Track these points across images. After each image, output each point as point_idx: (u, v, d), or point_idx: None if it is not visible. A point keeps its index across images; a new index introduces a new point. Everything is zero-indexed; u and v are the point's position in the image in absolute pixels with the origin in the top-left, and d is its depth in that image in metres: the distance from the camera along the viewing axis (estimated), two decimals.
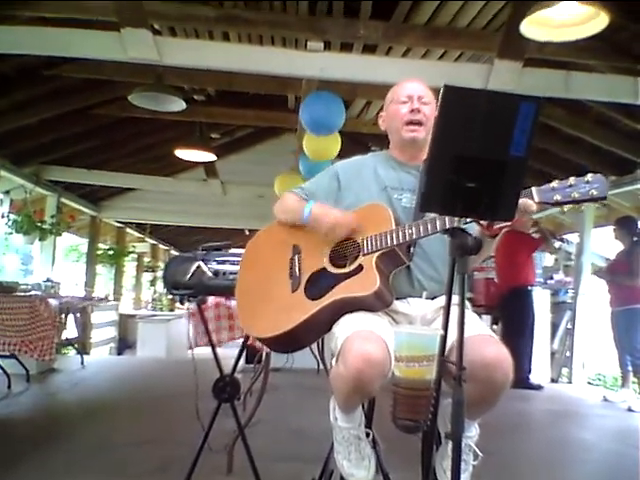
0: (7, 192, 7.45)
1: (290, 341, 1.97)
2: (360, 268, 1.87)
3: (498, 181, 1.31)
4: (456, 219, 1.56)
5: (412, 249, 1.96)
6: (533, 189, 1.64)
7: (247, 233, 11.31)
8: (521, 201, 1.56)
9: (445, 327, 1.46)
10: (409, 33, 4.44)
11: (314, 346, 3.92)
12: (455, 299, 1.43)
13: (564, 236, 8.59)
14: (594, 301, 7.34)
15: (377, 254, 1.86)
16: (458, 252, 1.41)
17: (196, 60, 4.36)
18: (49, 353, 4.88)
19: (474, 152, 1.29)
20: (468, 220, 1.53)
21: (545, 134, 6.16)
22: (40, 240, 7.52)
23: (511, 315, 6.37)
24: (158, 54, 4.11)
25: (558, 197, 1.60)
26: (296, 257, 2.05)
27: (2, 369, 5.19)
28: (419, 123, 2.02)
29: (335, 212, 1.97)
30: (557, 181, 1.62)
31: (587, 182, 1.58)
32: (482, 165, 1.30)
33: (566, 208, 1.63)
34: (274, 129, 8.61)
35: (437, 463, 1.79)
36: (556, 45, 3.84)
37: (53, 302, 5.20)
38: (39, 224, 7.26)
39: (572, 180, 1.60)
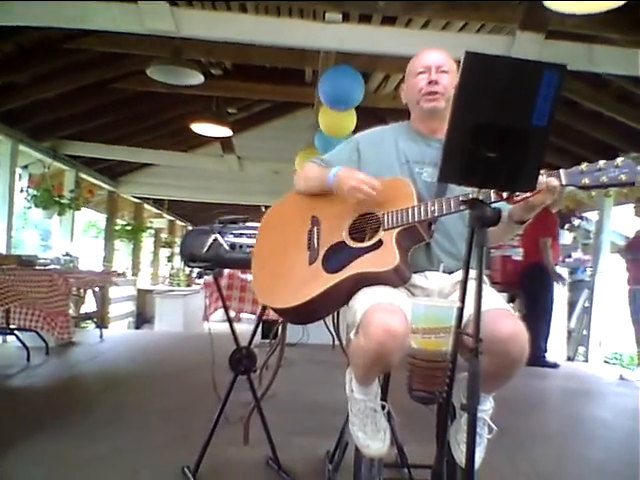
0: (25, 167, 7.51)
1: (306, 313, 1.96)
2: (380, 243, 1.85)
3: (519, 151, 1.29)
4: (479, 193, 1.54)
5: (433, 226, 1.94)
6: (561, 171, 1.60)
7: (263, 210, 11.32)
8: (545, 179, 1.54)
9: (462, 299, 1.45)
10: (429, 4, 4.34)
11: (329, 321, 3.95)
12: (473, 273, 1.41)
13: (583, 214, 8.50)
14: (612, 280, 7.29)
15: (398, 230, 1.84)
16: (477, 223, 1.39)
17: (213, 32, 4.33)
18: (67, 331, 4.94)
19: (495, 121, 1.26)
20: (493, 199, 1.50)
21: (565, 108, 6.06)
22: (59, 215, 7.59)
23: (530, 291, 6.33)
24: (175, 26, 4.09)
25: (586, 180, 1.57)
26: (315, 229, 2.04)
27: (21, 342, 5.26)
28: (437, 92, 1.98)
29: (361, 175, 1.93)
30: (586, 164, 1.58)
31: (616, 166, 1.54)
32: (503, 134, 1.27)
33: (594, 192, 1.60)
34: (291, 104, 8.57)
35: (451, 436, 1.80)
36: (578, 18, 3.76)
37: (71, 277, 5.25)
38: (58, 199, 7.32)
39: (601, 164, 1.56)
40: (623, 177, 1.52)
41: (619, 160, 1.54)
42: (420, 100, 2.01)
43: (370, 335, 1.61)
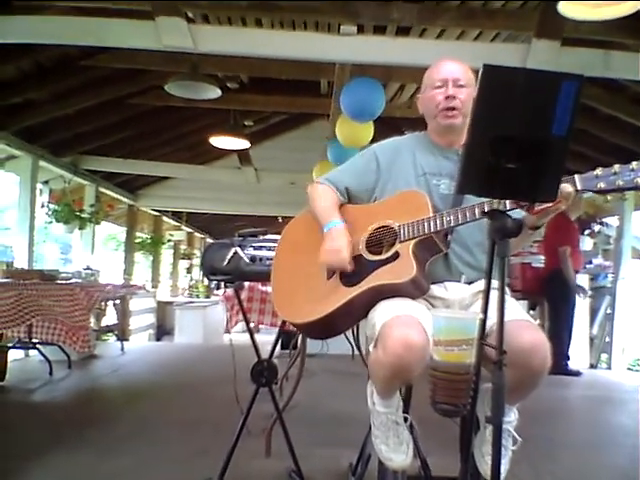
0: (46, 182, 7.61)
1: (324, 328, 1.97)
2: (397, 255, 1.85)
3: (540, 162, 1.28)
4: (495, 203, 1.54)
5: (449, 237, 1.94)
6: (576, 176, 1.60)
7: (280, 220, 11.39)
8: (560, 185, 1.54)
9: (484, 310, 1.44)
10: (443, 14, 4.35)
11: (349, 332, 3.94)
12: (494, 283, 1.41)
13: (603, 219, 8.42)
14: (634, 285, 7.20)
15: (414, 241, 1.84)
16: (498, 235, 1.38)
17: (230, 47, 4.37)
18: (88, 344, 5.01)
19: (515, 132, 1.26)
20: (508, 207, 1.50)
21: (582, 114, 6.02)
22: (80, 229, 7.66)
23: (551, 298, 6.27)
24: (192, 42, 4.13)
25: (602, 185, 1.56)
26: None
27: (44, 356, 5.32)
28: (455, 109, 1.97)
29: (343, 245, 1.94)
30: (601, 168, 1.58)
31: (632, 170, 1.53)
32: (523, 146, 1.26)
33: (609, 196, 1.59)
34: (307, 115, 8.62)
35: (476, 448, 1.78)
36: (594, 24, 3.75)
37: (93, 291, 5.31)
38: (78, 213, 7.40)
39: (616, 168, 1.55)
40: (639, 180, 1.51)
41: (634, 164, 1.53)
42: (438, 115, 2.00)
43: (389, 348, 1.61)
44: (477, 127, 1.29)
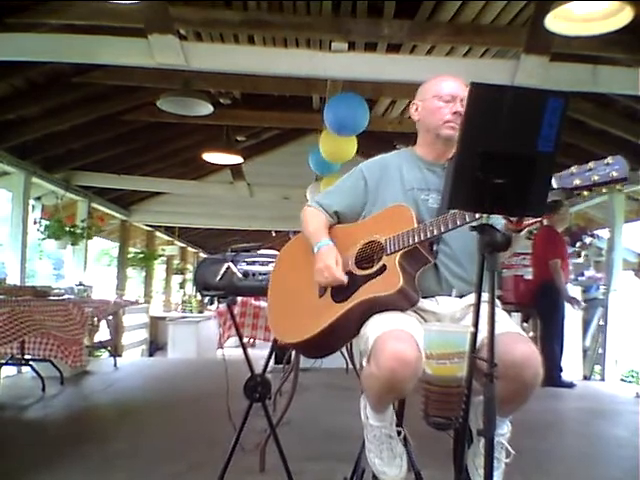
0: (38, 198, 7.59)
1: (318, 345, 1.98)
2: (384, 268, 1.87)
3: (526, 177, 1.31)
4: (477, 214, 1.56)
5: (435, 247, 1.95)
6: (552, 175, 1.62)
7: (274, 235, 11.39)
8: None
9: (475, 324, 1.46)
10: (433, 31, 4.42)
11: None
12: (485, 296, 1.43)
13: (594, 231, 8.46)
14: (626, 297, 7.22)
15: (400, 253, 1.86)
16: (487, 249, 1.40)
17: (222, 64, 4.41)
18: (80, 359, 5.00)
19: (502, 148, 1.29)
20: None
21: (572, 128, 6.08)
22: (72, 245, 7.63)
23: (542, 311, 6.29)
24: (185, 59, 4.16)
25: (577, 181, 1.57)
26: None
27: (36, 372, 5.29)
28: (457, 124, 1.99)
29: (332, 261, 1.96)
30: (576, 166, 1.59)
31: (607, 164, 1.54)
32: (510, 161, 1.29)
33: (587, 193, 1.59)
34: (299, 130, 8.65)
35: (469, 461, 1.79)
36: (583, 39, 3.80)
37: (86, 307, 5.30)
38: (71, 229, 7.38)
39: (591, 164, 1.56)
40: (614, 173, 1.51)
41: (609, 158, 1.53)
42: (441, 127, 2.01)
43: (382, 363, 1.62)
44: (465, 143, 1.31)
